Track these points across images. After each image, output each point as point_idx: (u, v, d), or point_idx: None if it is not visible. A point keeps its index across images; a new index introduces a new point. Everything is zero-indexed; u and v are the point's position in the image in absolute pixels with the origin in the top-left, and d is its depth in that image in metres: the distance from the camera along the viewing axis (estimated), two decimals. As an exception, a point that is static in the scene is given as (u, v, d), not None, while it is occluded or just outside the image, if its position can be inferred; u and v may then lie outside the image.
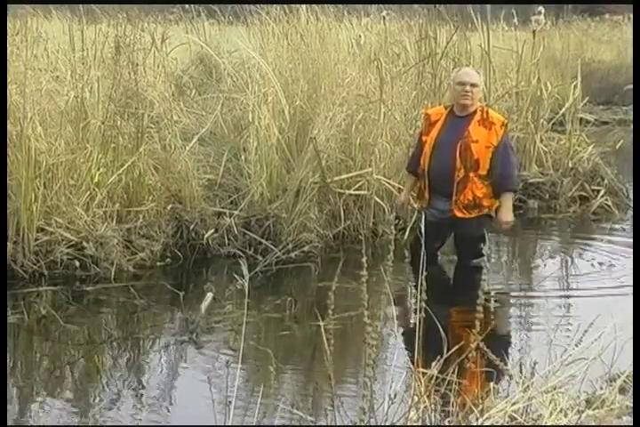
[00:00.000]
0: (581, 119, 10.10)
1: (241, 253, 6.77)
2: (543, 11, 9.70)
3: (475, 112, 6.32)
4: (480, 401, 3.16)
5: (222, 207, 7.17)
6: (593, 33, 19.94)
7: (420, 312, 3.17)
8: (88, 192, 6.52)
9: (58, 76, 7.18)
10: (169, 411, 4.25)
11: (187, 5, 11.89)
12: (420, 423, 3.09)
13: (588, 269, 6.82)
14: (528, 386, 3.25)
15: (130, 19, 8.81)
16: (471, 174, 6.23)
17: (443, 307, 5.01)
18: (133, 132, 6.97)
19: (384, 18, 9.96)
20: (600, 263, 6.93)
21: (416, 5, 9.84)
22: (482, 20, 9.77)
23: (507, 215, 6.37)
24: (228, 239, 6.92)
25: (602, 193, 9.03)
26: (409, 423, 3.08)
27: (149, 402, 4.31)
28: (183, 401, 4.35)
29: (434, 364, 3.21)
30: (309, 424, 3.70)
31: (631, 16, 16.54)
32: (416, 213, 7.06)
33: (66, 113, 6.73)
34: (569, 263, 7.32)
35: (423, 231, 5.56)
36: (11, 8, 7.19)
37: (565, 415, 3.12)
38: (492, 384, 3.34)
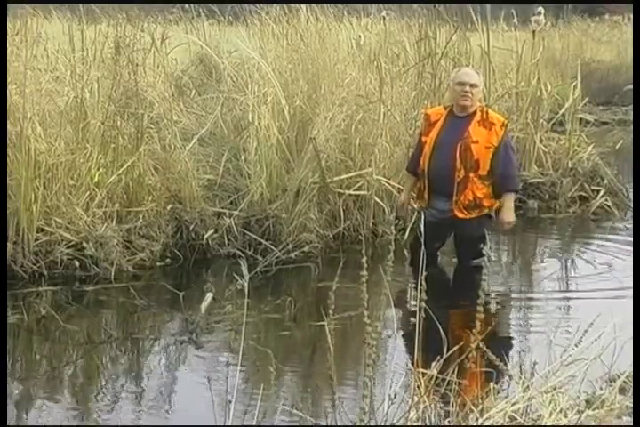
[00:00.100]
0: (581, 119, 10.10)
1: (241, 254, 6.77)
2: (543, 11, 9.70)
3: (475, 112, 6.32)
4: (480, 401, 3.16)
5: (222, 207, 7.17)
6: (593, 33, 19.94)
7: (420, 312, 3.17)
8: (88, 192, 6.52)
9: (58, 77, 7.18)
10: (169, 411, 4.25)
11: (186, 5, 11.90)
12: (420, 423, 3.09)
13: (587, 270, 6.82)
14: (528, 386, 3.25)
15: (130, 19, 8.81)
16: (471, 175, 6.23)
17: (443, 307, 5.00)
18: (133, 133, 6.96)
19: (384, 18, 9.97)
20: (600, 264, 6.93)
21: (416, 5, 9.84)
22: (481, 20, 9.77)
23: (508, 215, 6.37)
24: (228, 239, 6.92)
25: (602, 193, 9.03)
26: (409, 423, 3.08)
27: (149, 402, 4.31)
28: (183, 401, 4.35)
29: (434, 364, 3.22)
30: (309, 424, 3.70)
31: (631, 16, 16.55)
32: (416, 214, 7.06)
33: (66, 113, 6.73)
34: (569, 264, 7.33)
35: (423, 231, 5.56)
36: (11, 8, 7.19)
37: (565, 416, 3.12)
38: (491, 384, 3.34)
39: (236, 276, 5.06)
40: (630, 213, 8.69)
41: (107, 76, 7.29)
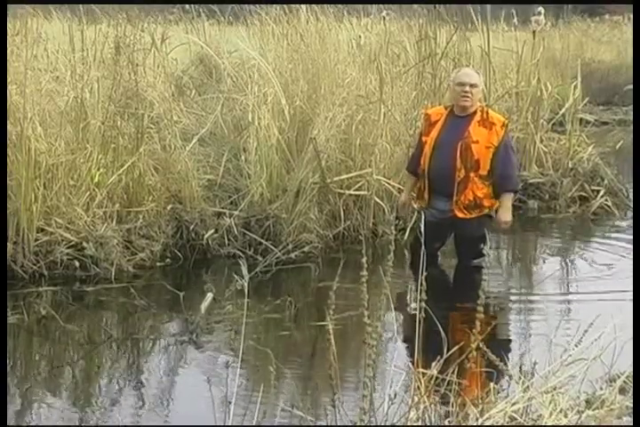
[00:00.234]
0: (581, 119, 10.10)
1: (241, 254, 6.77)
2: (543, 11, 9.70)
3: (475, 112, 6.32)
4: (480, 401, 3.16)
5: (222, 208, 7.17)
6: (593, 33, 19.94)
7: (420, 312, 3.17)
8: (88, 192, 6.52)
9: (58, 77, 7.17)
10: (169, 411, 4.25)
11: (187, 6, 11.89)
12: (420, 423, 3.09)
13: (587, 270, 6.82)
14: (528, 386, 3.25)
15: (130, 19, 8.80)
16: (472, 175, 6.23)
17: (443, 307, 5.00)
18: (133, 133, 6.97)
19: (384, 18, 9.97)
20: (600, 264, 6.93)
21: (416, 5, 9.84)
22: (482, 20, 9.77)
23: (505, 215, 6.36)
24: (228, 240, 6.92)
25: (602, 193, 9.03)
26: (409, 423, 3.08)
27: (149, 402, 4.31)
28: (183, 401, 4.36)
29: (434, 364, 3.21)
30: (309, 424, 3.70)
31: (631, 16, 16.54)
32: (416, 214, 7.06)
33: (66, 113, 6.73)
34: (569, 264, 7.33)
35: (423, 231, 5.57)
36: (11, 8, 7.19)
37: (565, 416, 3.12)
38: (491, 384, 3.34)
39: (236, 276, 5.09)
40: (630, 213, 8.69)
41: (107, 76, 7.29)
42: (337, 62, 7.78)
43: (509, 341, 5.32)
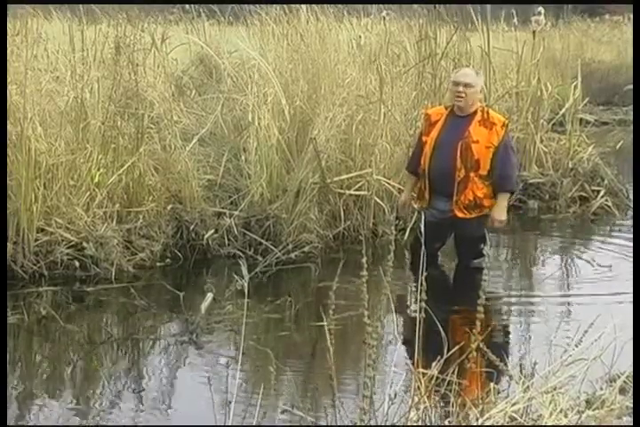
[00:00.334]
0: (581, 120, 10.10)
1: (241, 254, 6.77)
2: (543, 11, 9.70)
3: (475, 112, 6.32)
4: (480, 401, 3.16)
5: (222, 208, 7.17)
6: (593, 33, 19.93)
7: (420, 312, 3.17)
8: (88, 193, 6.52)
9: (58, 77, 7.17)
10: (169, 411, 4.25)
11: (187, 6, 11.89)
12: (420, 424, 3.09)
13: (588, 270, 6.82)
14: (528, 386, 3.25)
15: (130, 19, 8.80)
16: (472, 174, 6.23)
17: (443, 307, 5.01)
18: (133, 133, 6.97)
19: (384, 18, 9.97)
20: (600, 264, 6.93)
21: (416, 5, 9.84)
22: (482, 20, 9.77)
23: (500, 214, 6.33)
24: (228, 240, 6.92)
25: (602, 193, 9.03)
26: (409, 423, 3.08)
27: (149, 402, 4.31)
28: (183, 401, 4.36)
29: (434, 364, 3.21)
30: (309, 424, 3.70)
31: (631, 16, 16.54)
32: (416, 214, 7.06)
33: (66, 113, 6.73)
34: (569, 264, 7.33)
35: (423, 232, 5.56)
36: (11, 8, 7.19)
37: (565, 416, 3.12)
38: (492, 385, 3.34)
39: (235, 276, 5.10)
40: (630, 213, 8.69)
41: (107, 76, 7.29)
42: (337, 62, 7.78)
43: (509, 341, 5.32)
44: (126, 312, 5.83)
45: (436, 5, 9.16)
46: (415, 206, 6.80)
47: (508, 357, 4.73)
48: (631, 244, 7.31)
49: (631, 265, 6.66)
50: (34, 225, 6.22)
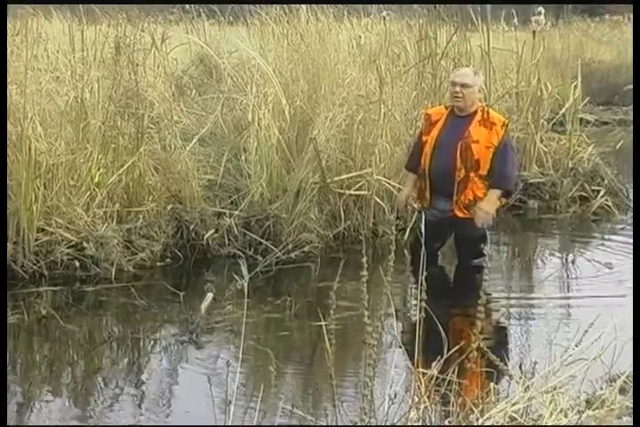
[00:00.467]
0: (581, 119, 10.10)
1: (241, 254, 6.77)
2: (543, 11, 9.70)
3: (475, 112, 6.32)
4: (480, 401, 3.16)
5: (222, 208, 7.17)
6: (593, 33, 19.93)
7: (421, 312, 3.17)
8: (88, 192, 6.52)
9: (58, 77, 7.18)
10: (169, 411, 4.25)
11: (187, 6, 11.89)
12: (420, 423, 3.09)
13: (588, 270, 6.82)
14: (528, 386, 3.25)
15: (130, 19, 8.81)
16: (472, 174, 6.23)
17: (443, 307, 5.01)
18: (133, 133, 6.97)
19: (384, 18, 9.98)
20: (600, 264, 6.93)
21: (416, 5, 9.84)
22: (482, 20, 9.77)
23: (488, 206, 6.24)
24: (228, 240, 6.92)
25: (602, 193, 9.03)
26: (409, 423, 3.08)
27: (149, 402, 4.31)
28: (183, 401, 4.36)
29: (434, 364, 3.21)
30: (309, 424, 3.70)
31: (631, 16, 16.54)
32: (416, 214, 7.05)
33: (66, 113, 6.73)
34: (569, 264, 7.33)
35: (423, 231, 5.56)
36: (11, 8, 7.19)
37: (565, 416, 3.12)
38: (492, 384, 3.34)
39: (236, 276, 5.09)
40: (630, 213, 8.69)
41: (107, 76, 7.29)
42: (337, 62, 7.78)
43: (509, 341, 5.32)
44: (126, 312, 5.83)
45: (436, 5, 9.16)
46: (415, 206, 6.79)
47: (508, 357, 4.73)
48: (631, 243, 7.31)
49: (631, 265, 6.65)
50: (34, 225, 6.22)
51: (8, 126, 6.15)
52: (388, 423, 3.15)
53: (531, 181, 9.15)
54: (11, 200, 6.21)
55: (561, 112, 9.98)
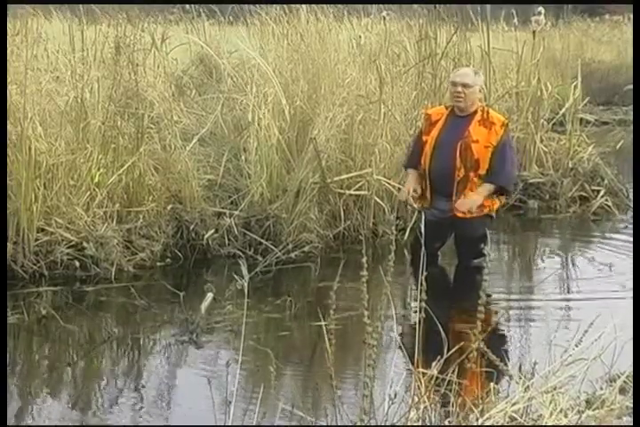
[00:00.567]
0: (581, 119, 10.10)
1: (241, 254, 6.77)
2: (543, 11, 9.70)
3: (475, 112, 6.32)
4: (480, 401, 3.16)
5: (222, 207, 7.17)
6: (593, 33, 19.93)
7: (421, 312, 3.17)
8: (88, 192, 6.52)
9: (58, 77, 7.18)
10: (169, 411, 4.25)
11: (187, 6, 11.89)
12: (420, 423, 3.09)
13: (588, 270, 6.82)
14: (528, 386, 3.25)
15: (130, 19, 8.81)
16: (471, 174, 6.23)
17: (443, 307, 5.00)
18: (133, 133, 6.97)
19: (384, 18, 9.98)
20: (600, 264, 6.93)
21: (416, 5, 9.84)
22: (482, 20, 9.77)
23: (473, 195, 6.20)
24: (228, 240, 6.92)
25: (602, 193, 9.02)
26: (409, 423, 3.08)
27: (149, 402, 4.31)
28: (183, 401, 4.36)
29: (434, 364, 3.21)
30: (309, 424, 3.70)
31: (631, 16, 16.54)
32: (416, 214, 7.05)
33: (66, 113, 6.73)
34: (569, 264, 7.33)
35: (423, 231, 5.56)
36: (11, 8, 7.19)
37: (565, 416, 3.12)
38: (492, 384, 3.34)
39: (235, 276, 5.08)
40: (630, 213, 8.69)
41: (107, 76, 7.29)
42: (337, 62, 7.78)
43: (509, 341, 5.31)
44: (126, 312, 5.83)
45: (436, 5, 9.16)
46: (415, 206, 6.78)
47: (507, 357, 4.74)
48: (631, 243, 7.31)
49: (631, 264, 6.65)
50: (34, 225, 6.22)
51: (8, 126, 6.15)
52: (387, 423, 3.15)
53: (531, 181, 9.15)
54: (11, 200, 6.21)
55: (561, 112, 9.98)
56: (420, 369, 3.19)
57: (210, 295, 5.52)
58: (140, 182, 6.83)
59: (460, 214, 6.28)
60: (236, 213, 7.02)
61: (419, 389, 3.11)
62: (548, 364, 3.43)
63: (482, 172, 6.25)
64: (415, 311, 3.27)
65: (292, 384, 4.56)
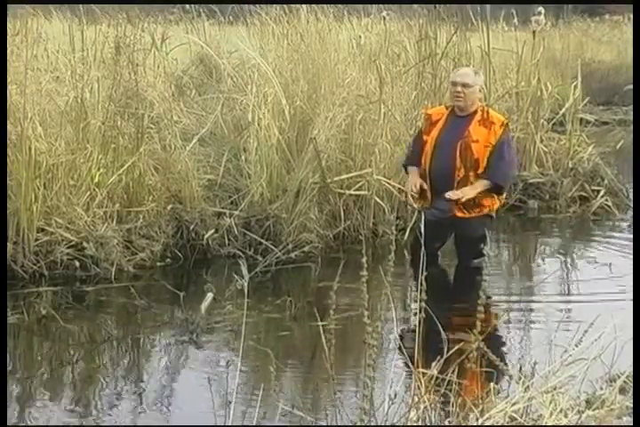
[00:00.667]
0: (581, 119, 10.09)
1: (241, 254, 6.77)
2: (543, 11, 9.70)
3: (475, 112, 6.32)
4: (480, 401, 3.16)
5: (222, 207, 7.17)
6: (593, 33, 19.93)
7: (421, 312, 3.17)
8: (88, 192, 6.52)
9: (58, 77, 7.18)
10: (169, 411, 4.25)
11: (187, 6, 11.89)
12: (420, 423, 3.09)
13: (588, 270, 6.82)
14: (528, 386, 3.25)
15: (130, 19, 8.81)
16: (471, 174, 6.23)
17: (443, 307, 5.01)
18: (133, 133, 6.97)
19: (384, 18, 9.97)
20: (600, 264, 6.93)
21: (416, 5, 9.84)
22: (481, 20, 9.77)
23: (466, 188, 6.18)
24: (228, 240, 6.92)
25: (602, 193, 9.02)
26: (409, 423, 3.08)
27: (149, 402, 4.31)
28: (183, 401, 4.36)
29: (434, 364, 3.21)
30: (309, 424, 3.70)
31: (631, 16, 16.53)
32: (416, 214, 7.05)
33: (66, 113, 6.73)
34: (569, 264, 7.32)
35: (423, 231, 5.56)
36: (11, 8, 7.19)
37: (565, 416, 3.12)
38: (492, 384, 3.34)
39: (235, 276, 5.09)
40: (630, 213, 8.69)
41: (107, 76, 7.29)
42: (337, 62, 7.78)
43: (509, 341, 5.31)
44: (126, 312, 5.83)
45: (436, 5, 9.16)
46: (415, 206, 6.78)
47: (507, 357, 4.74)
48: (631, 243, 7.31)
49: (631, 264, 6.65)
50: (34, 225, 6.22)
51: (8, 126, 6.15)
52: (387, 423, 3.15)
53: (531, 181, 9.15)
54: (11, 200, 6.21)
55: (561, 112, 9.98)
56: (420, 369, 3.19)
57: (210, 295, 5.51)
58: (140, 182, 6.83)
59: (459, 214, 6.28)
60: (236, 213, 7.02)
61: (419, 389, 3.11)
62: (548, 364, 3.43)
63: (481, 171, 6.24)
64: (415, 312, 3.26)
65: (292, 384, 4.56)
